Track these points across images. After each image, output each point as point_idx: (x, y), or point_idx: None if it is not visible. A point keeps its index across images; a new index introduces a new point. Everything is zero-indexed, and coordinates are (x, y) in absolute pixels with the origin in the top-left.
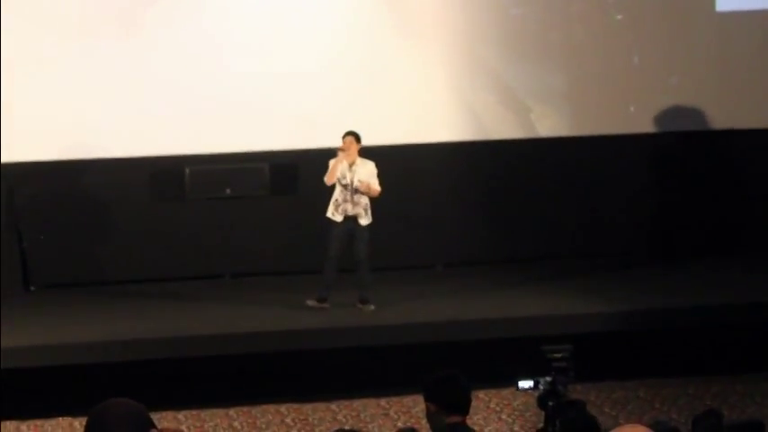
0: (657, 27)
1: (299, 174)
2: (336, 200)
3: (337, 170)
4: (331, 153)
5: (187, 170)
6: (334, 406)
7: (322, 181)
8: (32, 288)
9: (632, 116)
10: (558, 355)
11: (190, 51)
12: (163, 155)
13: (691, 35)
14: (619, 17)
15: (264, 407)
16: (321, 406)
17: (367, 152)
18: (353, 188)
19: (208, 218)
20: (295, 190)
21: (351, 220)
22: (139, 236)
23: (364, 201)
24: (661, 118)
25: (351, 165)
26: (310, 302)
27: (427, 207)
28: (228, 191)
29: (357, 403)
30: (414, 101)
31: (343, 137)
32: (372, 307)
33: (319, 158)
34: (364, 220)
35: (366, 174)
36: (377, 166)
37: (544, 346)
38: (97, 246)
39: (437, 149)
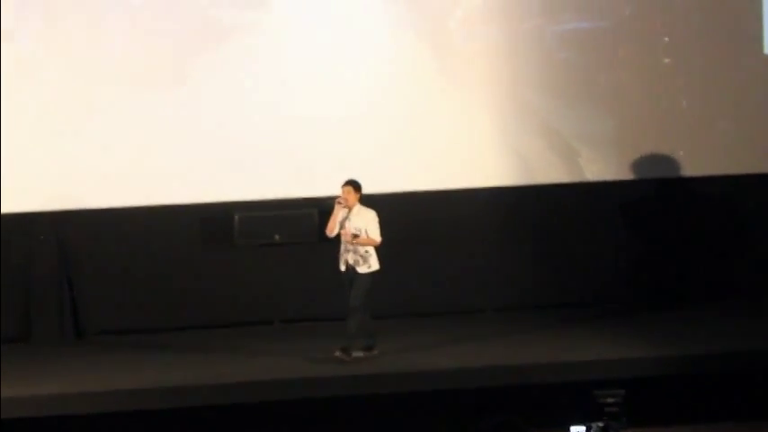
0: (705, 70)
1: None
2: (340, 250)
3: (337, 221)
4: (329, 203)
5: (236, 216)
6: None
7: None
8: (83, 333)
9: (681, 160)
10: (611, 400)
11: (237, 99)
12: (212, 201)
13: (739, 78)
14: (666, 61)
15: None
16: None
17: (413, 198)
18: (342, 236)
19: (257, 264)
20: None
21: (351, 268)
22: (189, 282)
23: (362, 249)
24: (710, 162)
25: (348, 214)
26: (338, 354)
27: (475, 252)
28: (277, 237)
29: None
30: (460, 145)
31: (342, 186)
32: (362, 354)
33: (366, 205)
34: (362, 268)
35: (362, 222)
36: (422, 210)
37: (596, 391)
38: (147, 293)
39: (484, 194)
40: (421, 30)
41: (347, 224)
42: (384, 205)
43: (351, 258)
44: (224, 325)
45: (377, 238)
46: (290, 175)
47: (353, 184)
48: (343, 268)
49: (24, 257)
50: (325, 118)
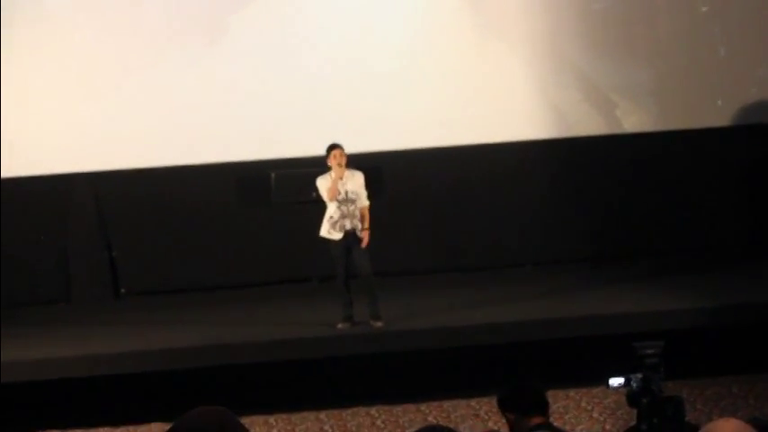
0: (743, 18)
1: (384, 176)
2: (332, 217)
3: (337, 186)
4: (317, 168)
5: (272, 175)
6: (424, 407)
7: (408, 183)
8: (122, 292)
9: (719, 109)
10: (650, 352)
11: (272, 57)
12: (248, 160)
13: None
14: (704, 9)
15: (355, 409)
16: (411, 407)
17: (450, 152)
18: (348, 199)
19: (294, 222)
20: (381, 192)
21: (349, 234)
22: (226, 241)
23: (358, 213)
24: (749, 110)
25: (340, 177)
26: (341, 326)
27: (514, 206)
28: (314, 194)
29: (447, 404)
30: (498, 100)
31: (331, 150)
32: (381, 323)
33: (405, 161)
34: (361, 233)
35: (357, 185)
36: (461, 165)
37: (635, 342)
38: (185, 252)
39: (522, 148)
40: None
41: (341, 188)
42: (422, 160)
43: (349, 224)
44: (261, 283)
45: (366, 202)
46: (326, 132)
47: (342, 147)
48: (339, 236)
49: (63, 218)
50: (360, 75)
